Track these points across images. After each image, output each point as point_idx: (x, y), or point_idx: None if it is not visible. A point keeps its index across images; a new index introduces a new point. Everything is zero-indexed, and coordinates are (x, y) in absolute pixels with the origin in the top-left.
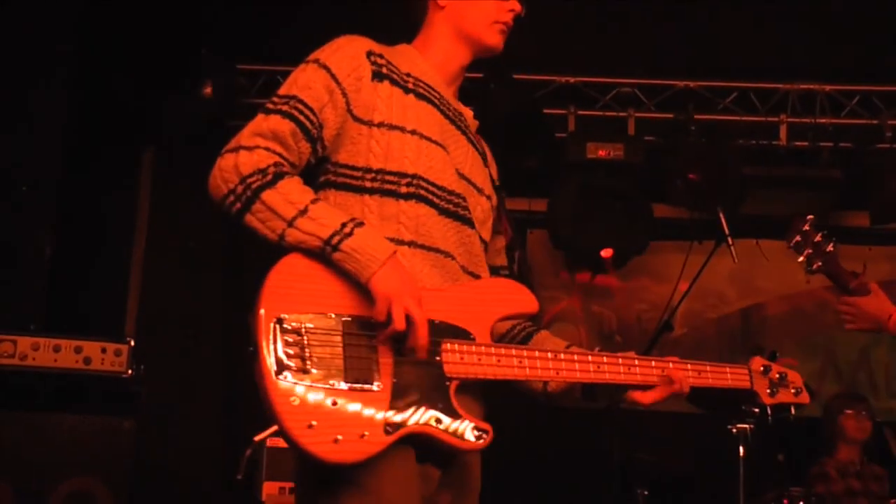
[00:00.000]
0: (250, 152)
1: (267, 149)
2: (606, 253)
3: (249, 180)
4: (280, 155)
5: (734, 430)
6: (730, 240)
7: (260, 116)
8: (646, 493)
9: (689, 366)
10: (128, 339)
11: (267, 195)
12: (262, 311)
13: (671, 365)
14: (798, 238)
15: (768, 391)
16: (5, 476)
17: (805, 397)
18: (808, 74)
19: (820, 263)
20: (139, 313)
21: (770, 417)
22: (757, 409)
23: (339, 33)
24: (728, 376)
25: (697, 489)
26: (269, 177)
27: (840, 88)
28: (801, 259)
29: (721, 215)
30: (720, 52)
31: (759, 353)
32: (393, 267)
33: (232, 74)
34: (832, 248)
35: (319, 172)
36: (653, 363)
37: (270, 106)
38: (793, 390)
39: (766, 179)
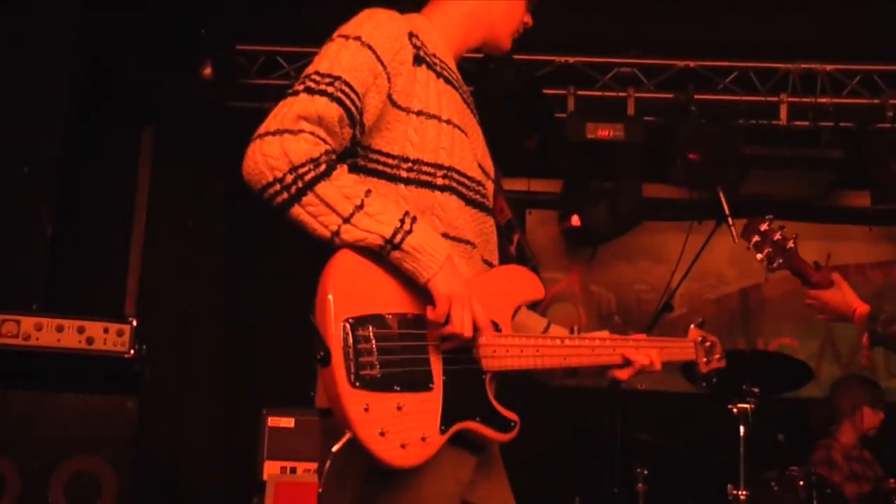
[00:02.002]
0: (296, 137)
1: (313, 134)
2: (575, 221)
3: (301, 170)
4: (325, 141)
5: (734, 410)
6: (730, 220)
7: (304, 96)
8: (645, 472)
9: (654, 343)
10: (130, 319)
11: (322, 188)
12: (331, 315)
13: (642, 343)
14: (757, 238)
15: (705, 360)
16: (9, 455)
17: (722, 361)
18: (809, 54)
19: (781, 261)
20: (139, 293)
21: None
22: (757, 389)
23: (336, 14)
24: (680, 350)
25: (697, 469)
26: (323, 167)
27: (841, 68)
28: (760, 257)
29: (721, 195)
30: (720, 31)
31: (700, 325)
32: (451, 267)
33: (231, 55)
34: (793, 245)
35: (347, 154)
36: (630, 342)
37: (312, 85)
38: (717, 356)
39: (766, 159)
